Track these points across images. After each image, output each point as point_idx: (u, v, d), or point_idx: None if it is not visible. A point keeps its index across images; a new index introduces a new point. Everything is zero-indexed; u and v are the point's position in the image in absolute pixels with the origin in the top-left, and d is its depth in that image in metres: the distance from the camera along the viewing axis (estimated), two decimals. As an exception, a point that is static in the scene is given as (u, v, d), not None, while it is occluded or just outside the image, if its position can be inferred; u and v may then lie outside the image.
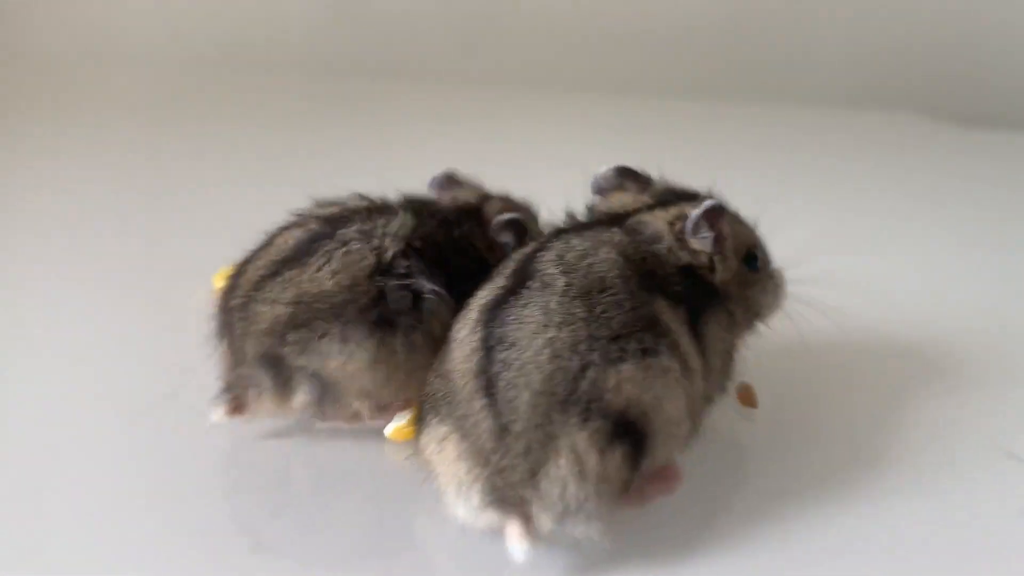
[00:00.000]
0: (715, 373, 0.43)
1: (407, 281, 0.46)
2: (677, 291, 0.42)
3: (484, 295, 0.41)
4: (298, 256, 0.46)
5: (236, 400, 0.45)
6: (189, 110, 1.12)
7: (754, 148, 1.03)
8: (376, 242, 0.46)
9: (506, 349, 0.38)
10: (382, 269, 0.46)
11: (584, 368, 0.37)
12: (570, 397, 0.36)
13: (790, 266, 0.49)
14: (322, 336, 0.44)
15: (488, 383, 0.37)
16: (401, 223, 0.48)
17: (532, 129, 1.09)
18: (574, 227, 0.46)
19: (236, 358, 0.46)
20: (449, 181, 0.54)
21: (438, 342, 0.43)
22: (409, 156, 0.87)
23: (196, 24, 1.33)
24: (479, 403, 0.37)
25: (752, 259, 0.46)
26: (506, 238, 0.50)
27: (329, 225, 0.48)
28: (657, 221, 0.44)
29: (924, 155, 1.04)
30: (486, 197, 0.53)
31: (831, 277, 0.49)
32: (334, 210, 0.49)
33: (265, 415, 0.46)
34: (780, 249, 0.49)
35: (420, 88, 1.22)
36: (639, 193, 0.47)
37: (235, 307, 0.46)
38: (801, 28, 1.26)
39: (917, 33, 1.23)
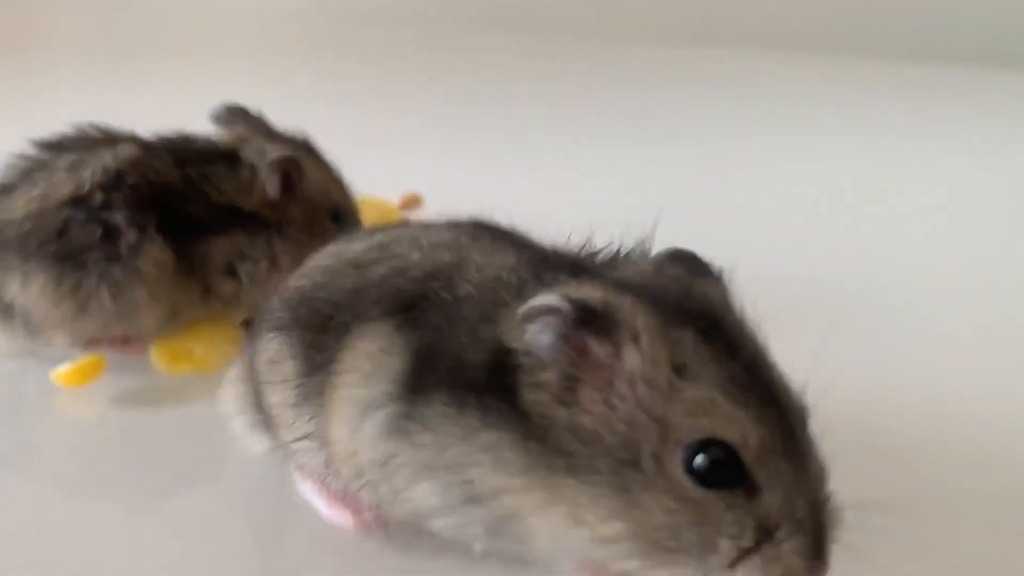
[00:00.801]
0: None
1: (102, 215, 0.44)
2: None
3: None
4: (10, 184, 0.46)
5: None
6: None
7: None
8: (82, 172, 0.45)
9: None
10: (76, 200, 0.45)
11: None
12: None
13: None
14: (5, 266, 0.44)
15: None
16: (115, 155, 0.46)
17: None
18: None
19: None
20: (231, 116, 0.53)
21: (156, 279, 0.45)
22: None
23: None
24: None
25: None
26: (270, 181, 0.48)
27: (49, 153, 0.47)
28: None
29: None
30: (247, 138, 0.51)
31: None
32: (61, 139, 0.48)
33: None
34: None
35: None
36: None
37: None
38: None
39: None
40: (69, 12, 1.53)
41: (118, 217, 0.45)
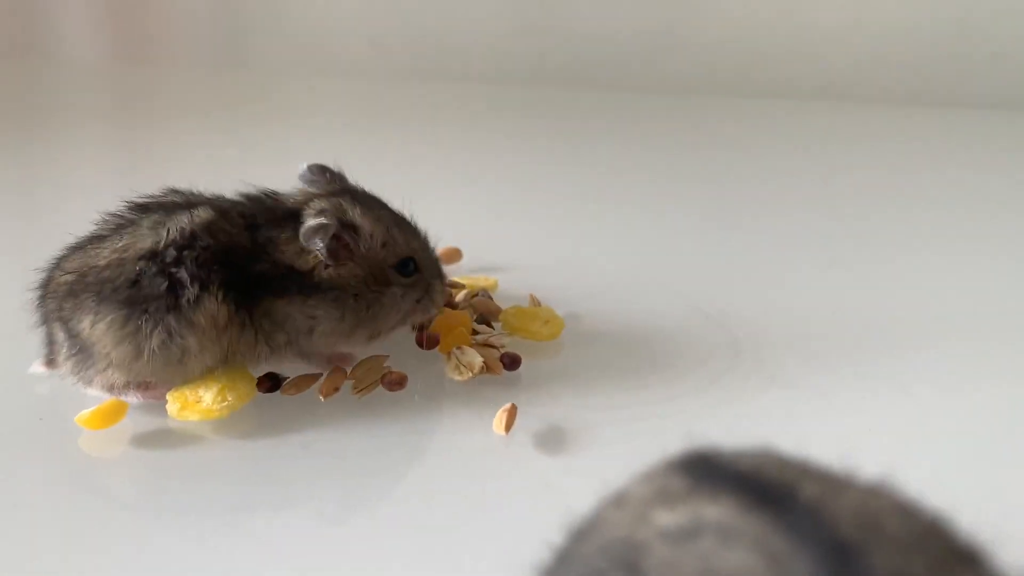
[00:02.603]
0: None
1: (171, 270, 0.48)
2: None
3: None
4: (102, 235, 0.51)
5: (49, 355, 0.52)
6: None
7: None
8: (161, 230, 0.50)
9: None
10: (151, 255, 0.49)
11: None
12: None
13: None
14: (82, 304, 0.49)
15: None
16: (192, 217, 0.50)
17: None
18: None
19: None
20: (313, 175, 0.56)
21: (206, 331, 0.48)
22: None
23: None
24: None
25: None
26: (314, 245, 0.51)
27: (137, 212, 0.52)
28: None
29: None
30: (311, 198, 0.54)
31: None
32: (149, 200, 0.53)
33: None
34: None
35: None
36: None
37: (49, 277, 0.52)
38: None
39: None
40: (178, 72, 1.62)
41: (183, 273, 0.49)
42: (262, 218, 0.52)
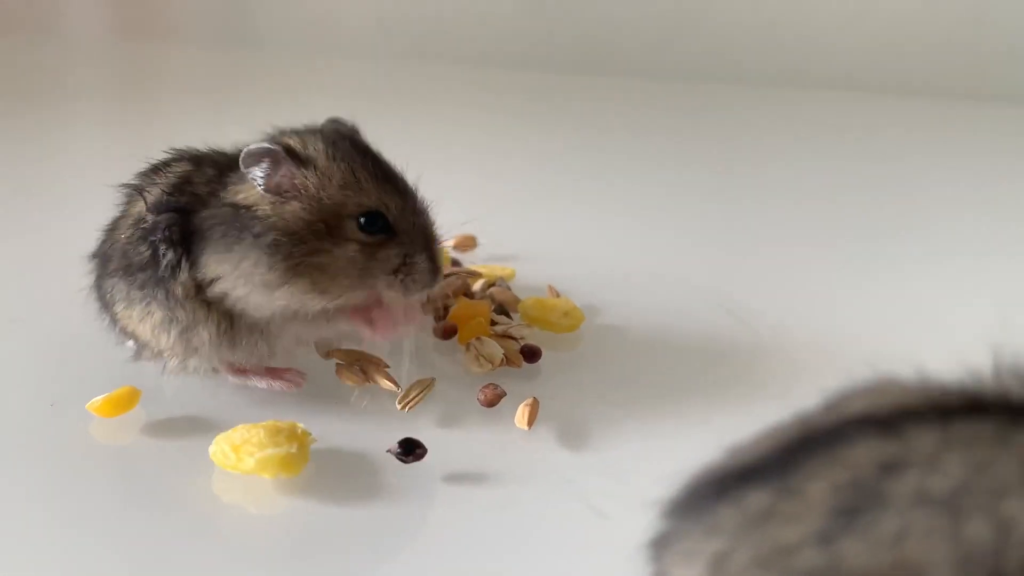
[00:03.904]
0: None
1: (151, 237, 0.45)
2: None
3: None
4: (122, 209, 0.49)
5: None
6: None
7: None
8: (144, 194, 0.46)
9: None
10: (138, 222, 0.46)
11: None
12: None
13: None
14: (102, 283, 0.48)
15: None
16: (166, 175, 0.47)
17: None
18: None
19: None
20: (327, 124, 0.50)
21: (185, 301, 0.45)
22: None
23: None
24: None
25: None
26: (255, 174, 0.44)
27: (145, 178, 0.48)
28: None
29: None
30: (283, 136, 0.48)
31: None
32: (154, 163, 0.49)
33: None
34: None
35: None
36: None
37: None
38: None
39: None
40: (184, 49, 1.61)
41: (158, 238, 0.45)
42: (231, 164, 0.47)
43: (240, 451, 0.42)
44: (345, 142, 0.47)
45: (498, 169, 1.00)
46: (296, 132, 0.48)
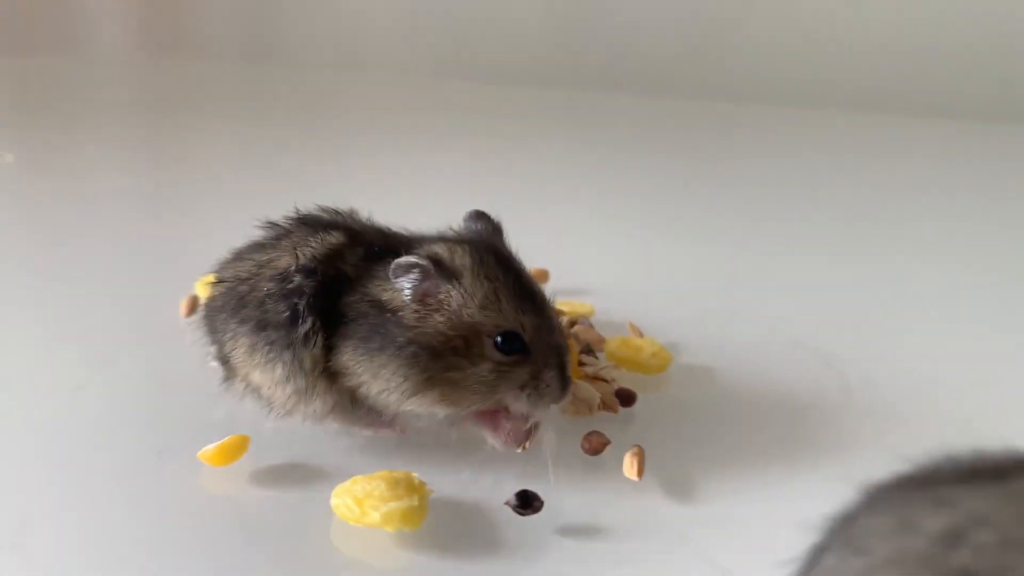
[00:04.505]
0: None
1: (294, 299, 0.46)
2: None
3: None
4: (253, 248, 0.50)
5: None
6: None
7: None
8: (299, 251, 0.47)
9: None
10: (282, 277, 0.46)
11: None
12: None
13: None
14: (225, 320, 0.48)
15: None
16: (320, 241, 0.48)
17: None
18: None
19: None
20: (471, 219, 0.51)
21: (311, 377, 0.45)
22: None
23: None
24: None
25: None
26: (402, 283, 0.45)
27: (296, 225, 0.50)
28: None
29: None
30: (435, 240, 0.49)
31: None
32: (306, 215, 0.51)
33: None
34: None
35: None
36: None
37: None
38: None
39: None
40: (209, 65, 1.61)
41: (301, 304, 0.46)
42: (381, 248, 0.48)
43: (364, 504, 0.42)
44: (491, 257, 0.47)
45: (550, 194, 1.00)
46: (444, 239, 0.49)
